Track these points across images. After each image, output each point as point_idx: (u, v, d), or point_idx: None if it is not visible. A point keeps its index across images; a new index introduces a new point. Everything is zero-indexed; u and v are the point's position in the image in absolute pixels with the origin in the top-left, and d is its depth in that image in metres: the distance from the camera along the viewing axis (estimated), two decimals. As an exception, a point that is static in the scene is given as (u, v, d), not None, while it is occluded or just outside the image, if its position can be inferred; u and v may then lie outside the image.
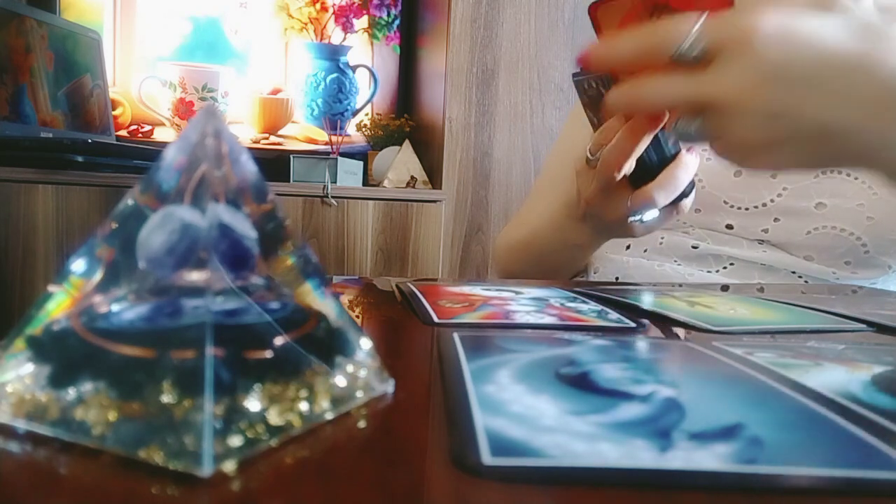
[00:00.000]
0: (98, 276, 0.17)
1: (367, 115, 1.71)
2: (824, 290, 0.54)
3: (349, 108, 1.67)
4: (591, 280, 0.69)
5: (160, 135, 1.53)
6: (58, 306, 0.17)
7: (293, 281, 0.19)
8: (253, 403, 0.15)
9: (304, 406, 0.16)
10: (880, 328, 0.33)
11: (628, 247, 0.72)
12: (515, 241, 0.74)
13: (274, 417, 0.15)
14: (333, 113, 1.64)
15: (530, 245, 0.70)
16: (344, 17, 1.63)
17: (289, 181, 1.38)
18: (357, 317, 0.34)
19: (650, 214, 0.49)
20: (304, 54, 1.64)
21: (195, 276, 0.16)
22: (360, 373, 0.19)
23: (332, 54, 1.64)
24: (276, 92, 1.63)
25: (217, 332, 0.15)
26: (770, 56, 0.31)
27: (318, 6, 1.62)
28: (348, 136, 1.67)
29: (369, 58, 1.72)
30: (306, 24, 1.62)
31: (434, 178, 1.55)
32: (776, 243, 0.61)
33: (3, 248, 1.08)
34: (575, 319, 0.31)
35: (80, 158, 1.13)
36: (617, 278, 0.67)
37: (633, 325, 0.30)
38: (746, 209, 0.62)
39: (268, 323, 0.17)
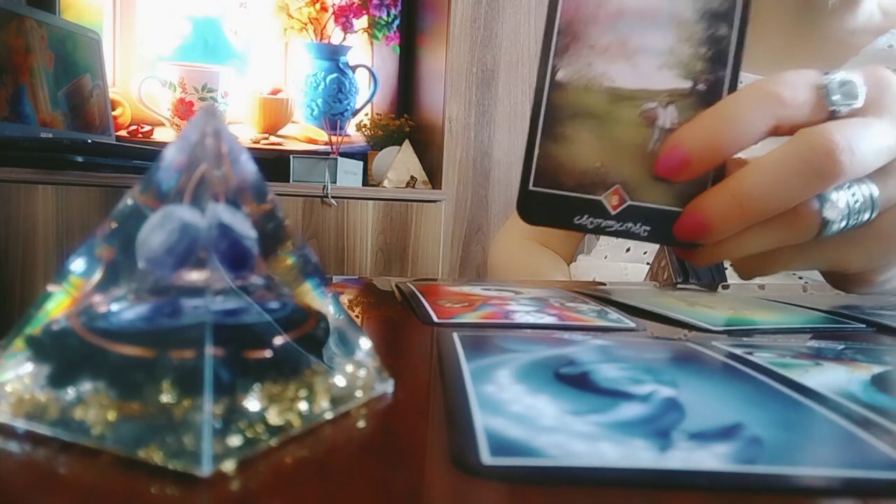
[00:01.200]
0: (97, 275, 0.17)
1: (366, 115, 1.71)
2: (824, 289, 0.54)
3: (349, 108, 1.67)
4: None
5: (160, 135, 1.53)
6: (57, 306, 0.17)
7: (293, 281, 0.19)
8: (252, 403, 0.15)
9: (303, 406, 0.16)
10: (880, 328, 0.33)
11: (628, 249, 0.72)
12: (499, 261, 0.77)
13: (273, 417, 0.15)
14: (333, 113, 1.64)
15: (510, 273, 0.72)
16: (344, 17, 1.63)
17: (289, 181, 1.38)
18: (357, 316, 0.34)
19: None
20: (304, 54, 1.64)
21: (195, 276, 0.16)
22: (359, 372, 0.19)
23: (332, 54, 1.64)
24: (275, 92, 1.63)
25: (216, 331, 0.15)
26: None
27: (317, 6, 1.62)
28: (348, 136, 1.67)
29: (369, 58, 1.72)
30: (306, 24, 1.62)
31: (434, 178, 1.55)
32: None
33: (3, 249, 1.08)
34: (575, 319, 0.31)
35: (79, 159, 1.13)
36: None
37: (632, 325, 0.30)
38: None
39: (267, 323, 0.17)
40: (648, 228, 0.33)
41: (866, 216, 0.30)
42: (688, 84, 0.33)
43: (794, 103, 0.29)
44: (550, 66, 0.34)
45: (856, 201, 0.29)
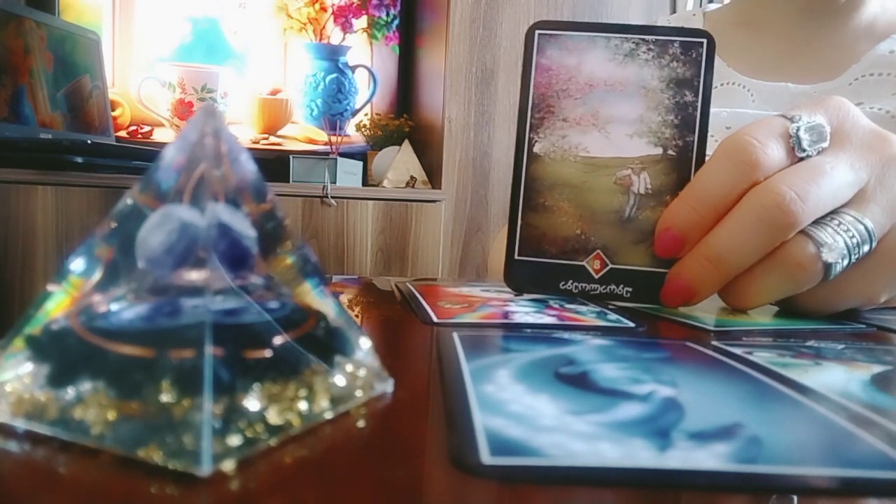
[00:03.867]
0: (97, 275, 0.17)
1: (366, 115, 1.71)
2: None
3: (348, 108, 1.67)
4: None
5: (159, 135, 1.53)
6: (57, 306, 0.17)
7: (292, 280, 0.19)
8: (252, 403, 0.15)
9: (303, 405, 0.16)
10: (880, 328, 0.33)
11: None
12: (499, 261, 0.77)
13: (273, 417, 0.15)
14: (333, 113, 1.64)
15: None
16: (343, 18, 1.63)
17: (288, 181, 1.38)
18: (356, 316, 0.34)
19: None
20: (304, 54, 1.64)
21: (194, 276, 0.16)
22: (359, 372, 0.19)
23: (332, 54, 1.64)
24: (275, 92, 1.63)
25: (216, 331, 0.15)
26: None
27: (317, 6, 1.62)
28: (348, 136, 1.67)
29: (368, 58, 1.72)
30: (305, 24, 1.62)
31: (433, 178, 1.55)
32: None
33: (3, 250, 1.08)
34: (574, 319, 0.31)
35: (79, 159, 1.13)
36: None
37: (632, 324, 0.30)
38: None
39: (267, 322, 0.17)
40: (630, 289, 0.35)
41: (867, 248, 0.31)
42: (658, 150, 0.34)
43: (766, 163, 0.30)
44: (527, 139, 0.36)
45: (852, 237, 0.30)
